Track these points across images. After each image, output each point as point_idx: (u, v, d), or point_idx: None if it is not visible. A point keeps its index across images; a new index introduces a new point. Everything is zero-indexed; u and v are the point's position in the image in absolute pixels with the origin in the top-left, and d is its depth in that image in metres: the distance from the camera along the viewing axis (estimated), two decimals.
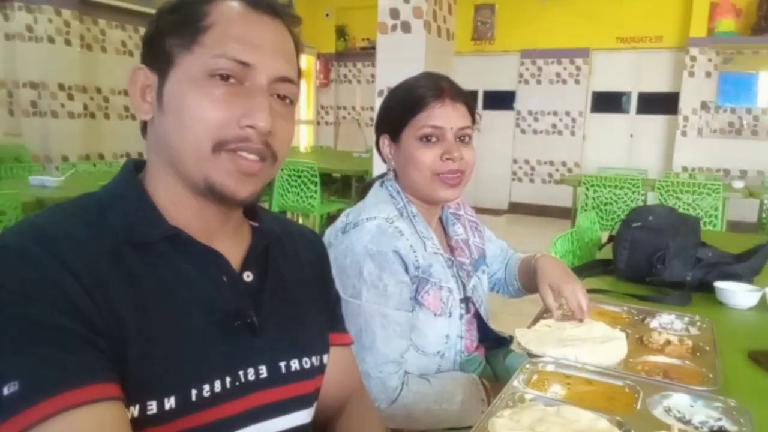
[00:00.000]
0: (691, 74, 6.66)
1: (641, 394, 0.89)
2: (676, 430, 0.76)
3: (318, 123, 9.21)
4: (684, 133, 6.76)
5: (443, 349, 1.18)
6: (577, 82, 7.43)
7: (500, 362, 1.37)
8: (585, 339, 1.06)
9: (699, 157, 6.67)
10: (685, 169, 6.65)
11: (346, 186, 5.54)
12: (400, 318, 1.10)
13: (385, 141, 1.22)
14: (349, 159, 6.12)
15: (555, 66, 7.51)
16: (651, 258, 1.58)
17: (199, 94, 0.68)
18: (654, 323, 1.25)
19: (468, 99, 1.20)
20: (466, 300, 1.24)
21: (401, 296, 1.11)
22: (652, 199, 4.55)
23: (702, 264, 1.56)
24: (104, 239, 0.66)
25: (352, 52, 8.83)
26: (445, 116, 1.15)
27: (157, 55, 0.70)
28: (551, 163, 7.66)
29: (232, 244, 0.78)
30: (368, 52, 8.18)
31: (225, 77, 0.69)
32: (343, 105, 9.10)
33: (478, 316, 1.29)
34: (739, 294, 1.43)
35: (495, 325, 1.35)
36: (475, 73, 7.72)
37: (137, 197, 0.72)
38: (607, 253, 1.79)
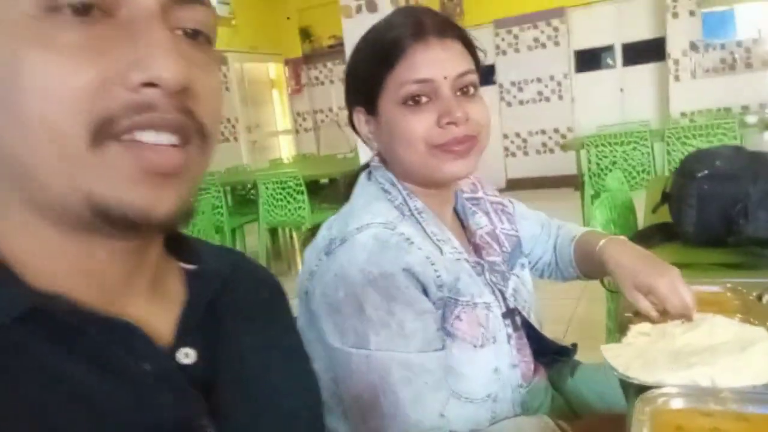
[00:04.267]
0: (675, 15, 6.34)
1: None
2: None
3: (297, 131, 8.84)
4: (677, 78, 6.44)
5: (495, 390, 0.84)
6: (556, 44, 7.10)
7: (569, 383, 1.03)
8: (712, 348, 0.71)
9: (697, 100, 6.34)
10: (684, 114, 6.33)
11: (335, 190, 5.20)
12: (429, 363, 0.76)
13: (359, 116, 0.88)
14: (334, 162, 5.78)
15: (531, 31, 7.17)
16: (729, 213, 1.24)
17: (38, 48, 0.37)
18: None
19: (462, 32, 0.86)
20: (510, 313, 0.90)
21: (426, 332, 0.77)
22: (659, 151, 4.21)
23: None
24: None
25: (319, 53, 8.47)
26: (434, 62, 0.80)
27: None
28: (543, 132, 7.33)
29: (152, 307, 0.47)
30: (336, 50, 7.83)
31: (81, 8, 0.38)
32: (319, 108, 8.74)
33: (526, 325, 0.95)
34: None
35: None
36: None
37: None
38: (661, 216, 1.45)
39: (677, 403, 0.65)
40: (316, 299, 0.80)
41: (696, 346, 0.73)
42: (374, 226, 0.78)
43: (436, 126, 0.80)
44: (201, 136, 0.43)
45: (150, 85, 0.39)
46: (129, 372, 0.42)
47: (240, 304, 0.53)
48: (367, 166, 0.94)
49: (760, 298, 0.92)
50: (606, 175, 4.12)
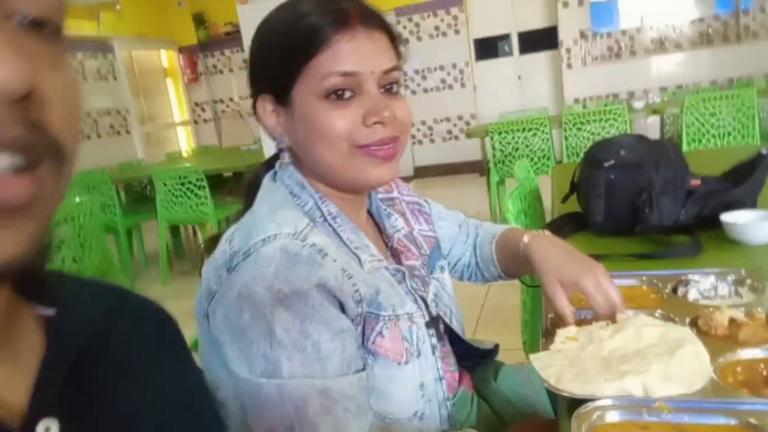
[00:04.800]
0: (565, 5, 6.61)
1: None
2: None
3: (195, 122, 8.41)
4: (569, 66, 6.74)
5: (421, 407, 0.77)
6: (456, 32, 7.20)
7: (494, 389, 0.99)
8: (641, 352, 0.69)
9: (588, 87, 6.68)
10: (577, 100, 6.65)
11: (240, 183, 4.98)
12: (349, 387, 0.68)
13: (265, 105, 0.77)
14: (238, 154, 5.52)
15: (432, 19, 7.24)
16: (634, 202, 1.26)
17: None
18: (691, 293, 0.91)
19: (387, 23, 0.78)
20: (434, 322, 0.84)
21: (345, 353, 0.69)
22: (556, 137, 4.37)
23: (695, 197, 1.26)
24: None
25: (216, 40, 8.07)
26: (360, 55, 0.72)
27: None
28: (448, 120, 7.44)
29: (1, 370, 0.37)
30: (234, 37, 7.49)
31: None
32: (219, 98, 8.36)
33: (448, 331, 0.90)
34: (755, 226, 1.13)
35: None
36: None
37: None
38: (569, 205, 1.45)
39: (612, 417, 0.61)
40: (217, 323, 0.70)
41: (625, 350, 0.70)
42: (282, 237, 0.69)
43: (362, 125, 0.73)
44: (55, 155, 0.33)
45: None
46: None
47: (118, 355, 0.43)
48: (270, 164, 0.84)
49: (675, 290, 0.93)
50: (510, 161, 4.23)
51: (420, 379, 0.77)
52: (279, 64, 0.74)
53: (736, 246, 1.13)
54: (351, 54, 0.72)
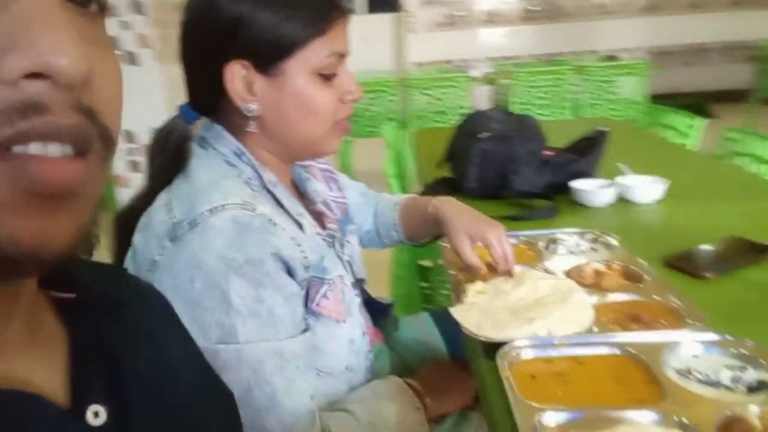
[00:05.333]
0: None
1: (646, 361, 0.71)
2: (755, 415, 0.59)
3: None
4: (411, 30, 6.99)
5: (352, 361, 0.86)
6: None
7: (398, 340, 1.10)
8: (540, 301, 0.83)
9: (429, 51, 6.99)
10: (419, 64, 6.94)
11: None
12: (299, 347, 0.74)
13: (238, 69, 0.75)
14: None
15: None
16: (503, 170, 1.43)
17: None
18: (560, 250, 1.09)
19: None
20: (358, 282, 0.92)
21: (294, 316, 0.74)
22: (400, 100, 4.58)
23: (550, 166, 1.47)
24: None
25: None
26: (348, 37, 0.81)
27: None
28: None
29: (34, 360, 0.37)
30: None
31: None
32: None
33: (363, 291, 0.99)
34: (597, 192, 1.37)
35: None
36: None
37: None
38: (438, 172, 1.60)
39: (526, 354, 0.75)
40: (165, 293, 0.70)
41: (528, 300, 0.84)
42: (231, 208, 0.70)
43: (339, 102, 0.80)
44: (104, 142, 0.32)
45: (36, 76, 0.28)
46: None
47: (138, 335, 0.44)
48: (182, 127, 0.81)
49: (547, 247, 1.10)
50: (362, 121, 4.35)
51: (351, 335, 0.85)
52: (281, 35, 0.74)
53: (583, 208, 1.36)
54: (346, 36, 0.79)
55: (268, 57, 0.75)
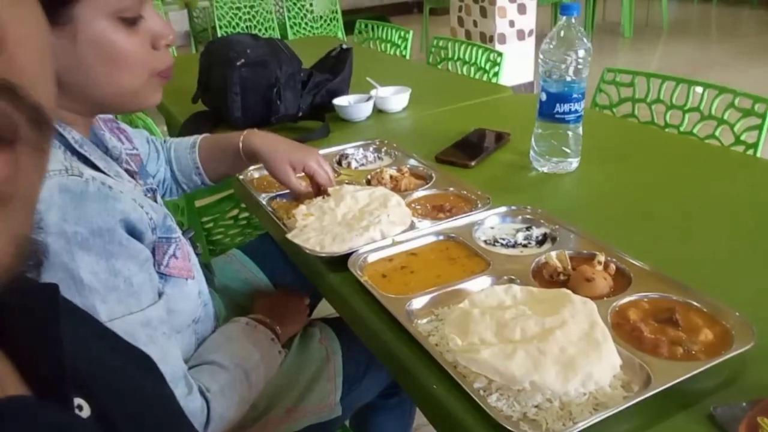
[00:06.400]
0: None
1: (463, 240, 0.86)
2: (556, 258, 0.77)
3: None
4: None
5: (200, 313, 0.83)
6: None
7: (219, 282, 1.07)
8: (363, 210, 0.91)
9: None
10: None
11: None
12: (162, 312, 0.69)
13: None
14: None
15: None
16: (266, 96, 1.43)
17: None
18: (353, 164, 1.18)
19: None
20: (186, 232, 0.87)
21: (152, 281, 0.69)
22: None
23: (308, 87, 1.51)
24: None
25: None
26: None
27: None
28: None
29: None
30: None
31: None
32: None
33: None
34: (360, 106, 1.47)
35: None
36: None
37: None
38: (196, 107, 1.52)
39: (372, 257, 0.83)
40: None
41: (354, 212, 0.91)
42: (53, 176, 0.59)
43: (152, 48, 0.69)
44: (35, 126, 0.25)
45: None
46: None
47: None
48: None
49: (339, 162, 1.17)
50: None
51: (199, 287, 0.81)
52: None
53: (349, 123, 1.47)
54: None
55: (51, 2, 0.62)
